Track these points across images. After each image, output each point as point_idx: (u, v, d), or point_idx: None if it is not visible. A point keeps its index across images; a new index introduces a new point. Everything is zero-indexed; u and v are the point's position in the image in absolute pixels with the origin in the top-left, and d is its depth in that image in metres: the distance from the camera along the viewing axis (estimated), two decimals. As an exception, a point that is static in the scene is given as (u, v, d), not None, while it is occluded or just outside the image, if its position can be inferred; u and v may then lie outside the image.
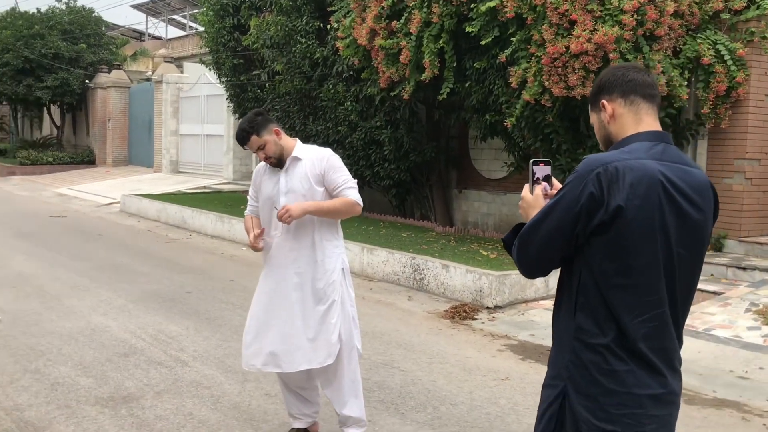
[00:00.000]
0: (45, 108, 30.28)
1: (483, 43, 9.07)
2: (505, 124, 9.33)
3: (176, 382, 5.43)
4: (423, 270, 8.78)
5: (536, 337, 6.78)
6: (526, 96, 8.66)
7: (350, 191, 4.17)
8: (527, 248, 2.26)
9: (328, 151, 4.26)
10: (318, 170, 4.17)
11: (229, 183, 20.00)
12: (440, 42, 9.60)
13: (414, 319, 7.55)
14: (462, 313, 7.62)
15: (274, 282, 4.24)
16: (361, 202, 4.21)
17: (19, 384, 5.33)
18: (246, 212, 4.50)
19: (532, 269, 2.30)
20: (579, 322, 2.20)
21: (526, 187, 2.40)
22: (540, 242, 2.22)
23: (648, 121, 2.30)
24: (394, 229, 11.57)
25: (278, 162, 4.21)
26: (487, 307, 7.81)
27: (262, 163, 4.36)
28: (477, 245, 10.01)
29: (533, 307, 7.81)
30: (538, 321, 7.30)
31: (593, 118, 2.42)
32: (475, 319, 7.49)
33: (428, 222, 12.35)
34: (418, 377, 5.67)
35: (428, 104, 11.99)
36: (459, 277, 8.27)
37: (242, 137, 4.20)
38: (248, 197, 4.48)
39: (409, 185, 12.82)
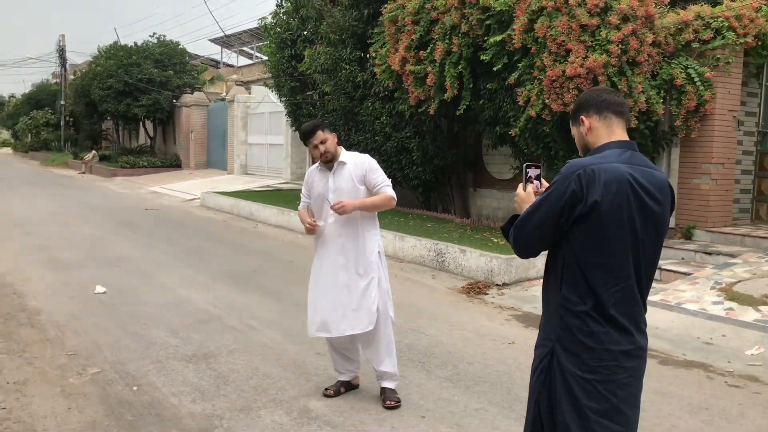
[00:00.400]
0: (141, 122, 30.66)
1: (495, 68, 9.00)
2: (512, 134, 9.26)
3: (246, 343, 5.50)
4: (444, 254, 8.76)
5: (537, 308, 6.74)
6: (530, 111, 8.59)
7: (387, 189, 4.23)
8: (522, 234, 2.30)
9: (367, 157, 4.31)
10: (360, 171, 4.21)
11: (287, 183, 20.10)
12: (459, 67, 9.56)
13: (437, 293, 7.56)
14: (476, 289, 7.61)
15: (325, 264, 4.27)
16: (395, 197, 4.25)
17: (120, 343, 5.45)
18: (300, 207, 4.53)
19: (525, 251, 2.35)
20: (564, 293, 2.24)
21: (520, 185, 2.45)
22: (532, 229, 2.27)
23: (618, 132, 2.34)
24: (420, 220, 11.55)
25: (331, 160, 4.21)
26: (497, 284, 7.79)
27: (313, 167, 4.40)
28: (489, 234, 9.97)
29: (535, 284, 7.77)
30: (538, 296, 7.25)
31: (574, 131, 2.45)
32: (487, 294, 7.48)
33: (449, 215, 12.31)
34: (441, 341, 5.68)
35: (449, 118, 11.93)
36: (474, 260, 8.25)
37: (311, 130, 4.19)
38: (301, 195, 4.51)
39: (434, 184, 12.78)
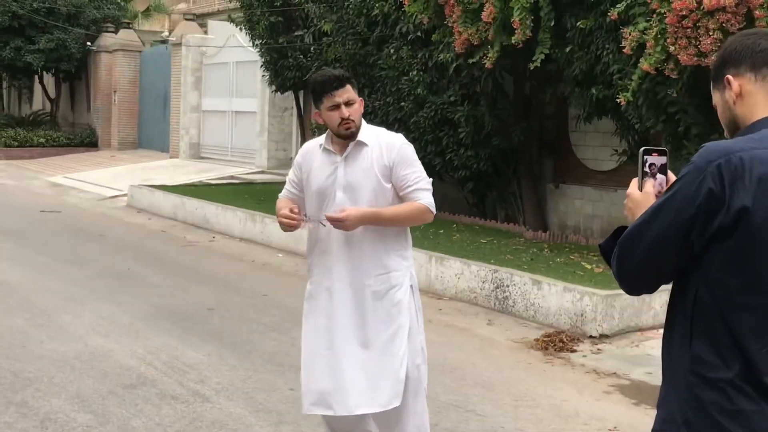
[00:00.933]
0: (36, 77, 30.97)
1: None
2: (618, 100, 9.22)
3: (194, 422, 5.49)
4: (508, 287, 8.74)
5: (654, 375, 6.68)
6: (644, 65, 8.56)
7: (423, 194, 4.17)
8: (629, 257, 2.31)
9: (400, 138, 4.26)
10: (386, 161, 4.16)
11: (262, 172, 20.22)
12: (534, -6, 9.56)
13: (495, 349, 7.52)
14: (558, 343, 7.57)
15: (325, 302, 4.24)
16: (434, 209, 4.18)
17: (1, 420, 5.45)
18: (280, 195, 4.47)
19: (635, 284, 2.36)
20: (696, 351, 2.24)
21: (634, 181, 2.44)
22: (645, 250, 2.27)
23: None
24: (470, 233, 11.54)
25: (356, 132, 4.17)
26: (591, 336, 7.74)
27: (313, 143, 4.36)
28: (578, 256, 9.92)
29: (651, 336, 7.69)
30: (656, 355, 7.19)
31: (716, 98, 2.45)
32: (575, 351, 7.43)
33: (515, 225, 12.30)
34: (501, 424, 5.64)
35: (517, 75, 11.92)
36: (554, 297, 8.21)
37: (340, 79, 4.14)
38: (287, 180, 4.46)
39: (491, 177, 12.77)
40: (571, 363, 7.13)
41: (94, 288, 9.36)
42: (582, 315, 7.89)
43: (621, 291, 2.37)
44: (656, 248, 2.25)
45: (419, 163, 4.25)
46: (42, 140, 27.61)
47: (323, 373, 4.19)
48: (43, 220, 14.75)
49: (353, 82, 4.20)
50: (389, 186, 4.16)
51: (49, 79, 31.24)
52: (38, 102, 33.85)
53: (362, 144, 4.18)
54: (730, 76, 2.36)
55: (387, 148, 4.18)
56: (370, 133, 4.24)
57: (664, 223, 2.23)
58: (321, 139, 4.31)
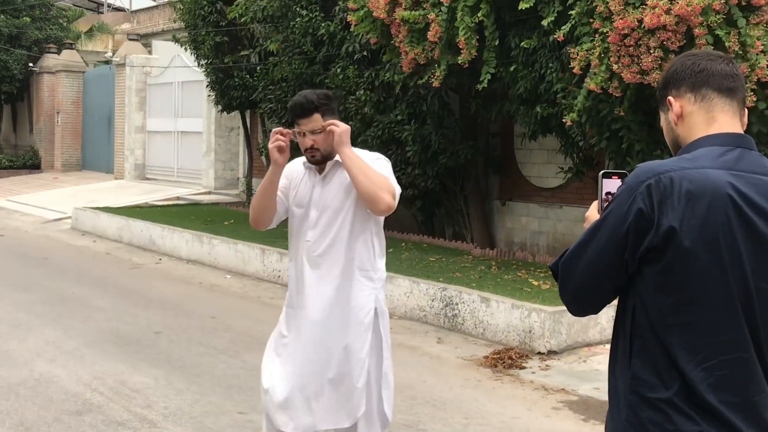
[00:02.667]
0: (-22, 98, 30.62)
1: (545, 22, 9.06)
2: (565, 121, 9.30)
3: (143, 448, 5.44)
4: (457, 304, 8.77)
5: (602, 390, 6.73)
6: (591, 84, 8.64)
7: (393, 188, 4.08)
8: (570, 278, 2.33)
9: (376, 155, 4.26)
10: None
11: (209, 193, 20.11)
12: (479, 14, 9.62)
13: (445, 367, 7.53)
14: (506, 360, 7.59)
15: (299, 315, 4.21)
16: (396, 199, 4.04)
17: (-56, 449, 5.37)
18: None
19: (578, 304, 2.38)
20: (635, 370, 2.25)
21: (594, 204, 2.46)
22: (583, 270, 2.30)
23: (723, 120, 2.34)
24: (419, 251, 11.56)
25: (322, 159, 4.13)
26: (539, 353, 7.78)
27: (299, 160, 4.28)
28: (525, 272, 9.97)
29: (598, 352, 7.76)
30: (603, 370, 7.23)
31: (662, 119, 2.47)
32: (524, 367, 7.46)
33: (463, 243, 12.34)
34: (451, 443, 5.64)
35: (462, 93, 12.00)
36: (502, 314, 8.24)
37: (305, 108, 4.05)
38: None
39: (439, 195, 12.82)
40: (520, 380, 7.16)
41: (39, 313, 9.24)
42: (530, 331, 7.93)
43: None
44: (593, 268, 2.27)
45: (393, 176, 4.18)
46: (-17, 162, 27.25)
47: (291, 390, 4.14)
48: (-14, 244, 14.53)
49: (324, 107, 4.07)
50: (363, 209, 4.09)
51: (-10, 100, 30.87)
52: (-21, 124, 33.39)
53: (340, 164, 4.11)
54: (671, 98, 2.38)
55: None
56: None
57: (601, 242, 2.25)
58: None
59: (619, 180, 2.42)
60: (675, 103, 2.38)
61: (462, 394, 6.73)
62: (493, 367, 7.47)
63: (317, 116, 4.05)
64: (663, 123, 2.46)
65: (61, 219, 17.90)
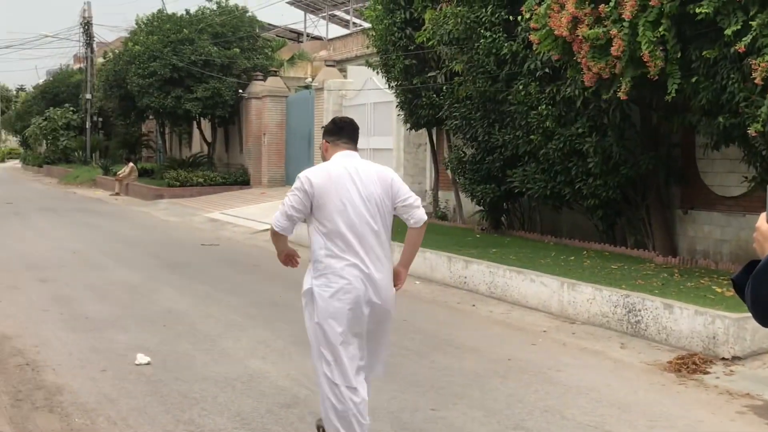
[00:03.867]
0: (195, 122, 32.18)
1: (728, 32, 8.77)
2: (749, 131, 8.96)
3: (345, 440, 5.58)
4: (639, 311, 8.59)
5: (790, 397, 6.45)
6: (773, 93, 8.30)
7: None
8: (762, 291, 2.25)
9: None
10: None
11: (399, 205, 20.35)
12: (661, 29, 9.42)
13: (629, 371, 7.40)
14: (690, 365, 7.41)
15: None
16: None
17: (172, 435, 5.68)
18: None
19: None
20: None
21: (763, 215, 2.36)
22: None
23: None
24: (601, 259, 11.39)
25: None
26: (723, 359, 7.55)
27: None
28: (708, 280, 9.67)
29: (784, 359, 7.43)
30: (791, 377, 6.94)
31: None
32: (708, 372, 7.26)
33: (645, 251, 12.06)
34: (636, 444, 5.53)
35: (643, 105, 11.73)
36: (686, 321, 8.04)
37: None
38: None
39: (620, 205, 12.57)
40: (704, 384, 6.95)
41: (250, 315, 9.63)
42: (714, 337, 7.70)
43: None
44: None
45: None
46: (200, 180, 28.56)
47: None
48: (203, 253, 15.30)
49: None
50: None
51: (205, 125, 32.39)
52: (196, 145, 35.13)
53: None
54: None
55: None
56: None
57: None
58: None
59: None
60: None
61: (646, 398, 6.59)
62: (677, 372, 7.28)
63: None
64: None
65: (268, 230, 18.47)
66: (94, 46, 46.56)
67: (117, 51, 33.82)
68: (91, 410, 6.19)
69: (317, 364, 4.96)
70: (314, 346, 5.02)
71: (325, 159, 5.15)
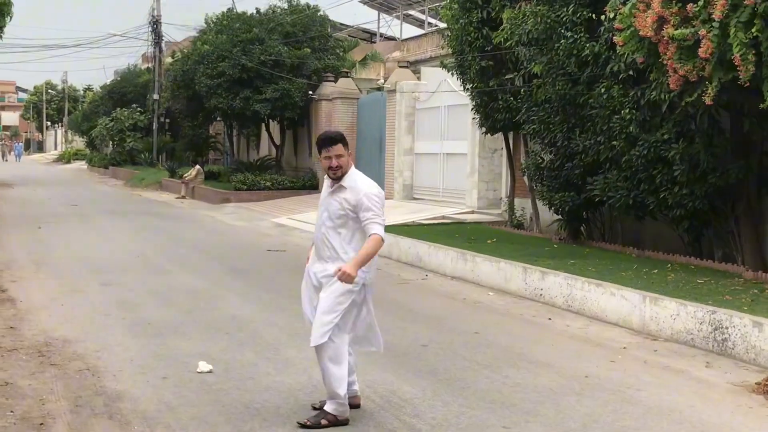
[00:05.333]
0: (263, 124, 32.51)
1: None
2: None
3: (411, 456, 5.56)
4: (726, 328, 8.43)
5: None
6: None
7: (375, 226, 6.34)
8: None
9: (368, 185, 6.32)
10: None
11: (472, 212, 20.28)
12: (753, 30, 9.21)
13: (714, 392, 7.25)
14: (781, 387, 7.21)
15: None
16: (382, 236, 6.36)
17: (232, 446, 5.72)
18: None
19: None
20: None
21: None
22: None
23: None
24: (686, 273, 11.19)
25: (342, 176, 6.32)
26: (818, 382, 7.32)
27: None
28: (802, 297, 9.42)
29: None
30: None
31: None
32: (801, 396, 7.05)
33: (733, 265, 11.81)
34: (721, 470, 5.41)
35: (734, 111, 11.48)
36: (777, 340, 7.84)
37: (331, 139, 6.27)
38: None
39: (708, 216, 12.33)
40: (797, 409, 6.76)
41: (315, 323, 9.67)
42: (808, 359, 7.49)
43: None
44: None
45: (378, 208, 6.30)
46: (268, 183, 28.80)
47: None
48: (270, 259, 15.45)
49: (344, 140, 6.34)
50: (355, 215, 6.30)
51: (274, 127, 32.69)
52: (264, 148, 35.48)
53: (343, 187, 6.37)
54: None
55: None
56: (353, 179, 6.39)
57: None
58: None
59: None
60: None
61: (732, 421, 6.45)
62: (765, 394, 7.10)
63: (340, 145, 6.27)
64: None
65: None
66: (163, 45, 47.37)
67: (185, 50, 34.40)
68: (150, 418, 6.29)
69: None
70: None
71: (347, 167, 6.37)
